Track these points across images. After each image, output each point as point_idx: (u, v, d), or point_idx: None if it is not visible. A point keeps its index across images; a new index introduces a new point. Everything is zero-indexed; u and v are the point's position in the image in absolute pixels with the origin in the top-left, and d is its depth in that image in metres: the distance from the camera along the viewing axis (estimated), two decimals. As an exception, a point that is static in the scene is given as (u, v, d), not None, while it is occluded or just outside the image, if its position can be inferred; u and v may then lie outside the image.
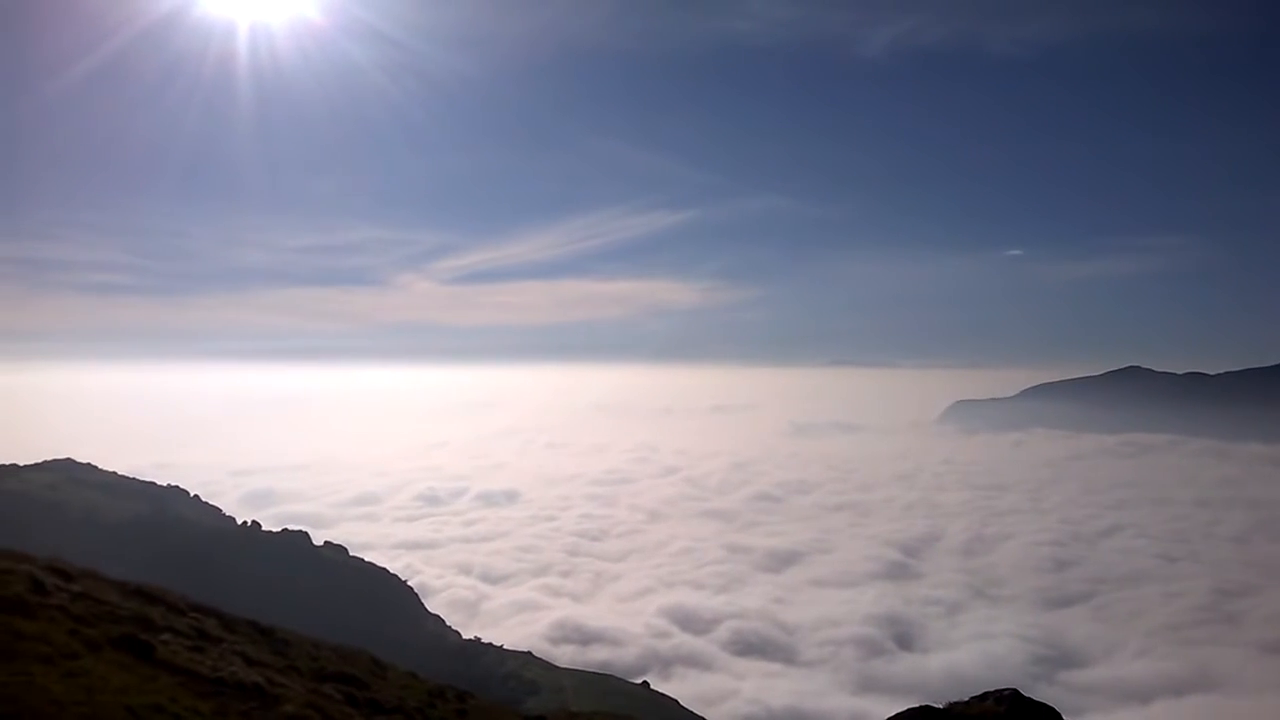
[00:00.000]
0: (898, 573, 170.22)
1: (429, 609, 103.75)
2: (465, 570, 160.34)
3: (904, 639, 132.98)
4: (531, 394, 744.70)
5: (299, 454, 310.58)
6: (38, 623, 16.53)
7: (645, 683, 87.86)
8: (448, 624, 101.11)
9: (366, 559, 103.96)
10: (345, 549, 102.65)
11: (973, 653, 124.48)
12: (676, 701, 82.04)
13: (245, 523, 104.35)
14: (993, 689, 22.87)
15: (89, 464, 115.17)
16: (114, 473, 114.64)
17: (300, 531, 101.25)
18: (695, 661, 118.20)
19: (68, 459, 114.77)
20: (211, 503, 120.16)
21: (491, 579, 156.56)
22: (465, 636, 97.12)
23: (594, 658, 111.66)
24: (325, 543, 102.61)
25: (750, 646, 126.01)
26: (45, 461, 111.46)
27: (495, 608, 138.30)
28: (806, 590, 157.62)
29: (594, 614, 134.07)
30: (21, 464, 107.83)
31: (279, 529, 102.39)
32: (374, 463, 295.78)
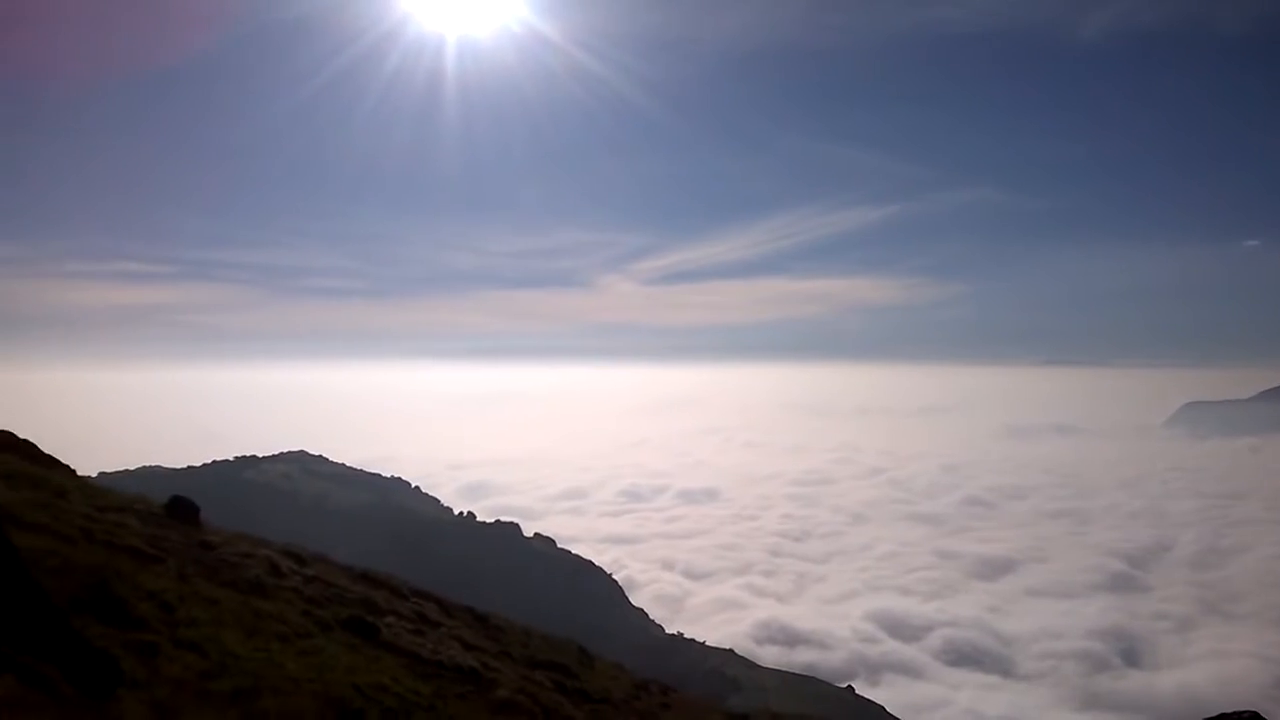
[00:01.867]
0: (1122, 584, 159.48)
1: (633, 603, 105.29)
2: (668, 566, 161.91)
3: (1131, 655, 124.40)
4: (730, 393, 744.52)
5: (511, 449, 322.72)
6: (275, 603, 17.53)
7: (850, 687, 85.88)
8: (651, 618, 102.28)
9: (573, 551, 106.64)
10: (553, 541, 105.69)
11: (1206, 672, 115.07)
12: (883, 708, 79.68)
13: (461, 513, 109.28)
14: (1230, 710, 20.77)
15: (320, 456, 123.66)
16: (342, 464, 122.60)
17: (512, 523, 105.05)
18: (905, 669, 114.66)
19: (301, 451, 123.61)
20: (430, 493, 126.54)
21: (694, 576, 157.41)
22: (668, 631, 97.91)
23: (798, 659, 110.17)
24: (535, 534, 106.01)
25: (964, 656, 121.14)
26: (281, 453, 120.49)
27: (698, 604, 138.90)
28: (1023, 600, 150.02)
29: (798, 615, 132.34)
30: (260, 455, 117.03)
31: (492, 520, 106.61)
32: (580, 458, 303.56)
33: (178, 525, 21.47)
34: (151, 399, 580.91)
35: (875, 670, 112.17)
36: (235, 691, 12.30)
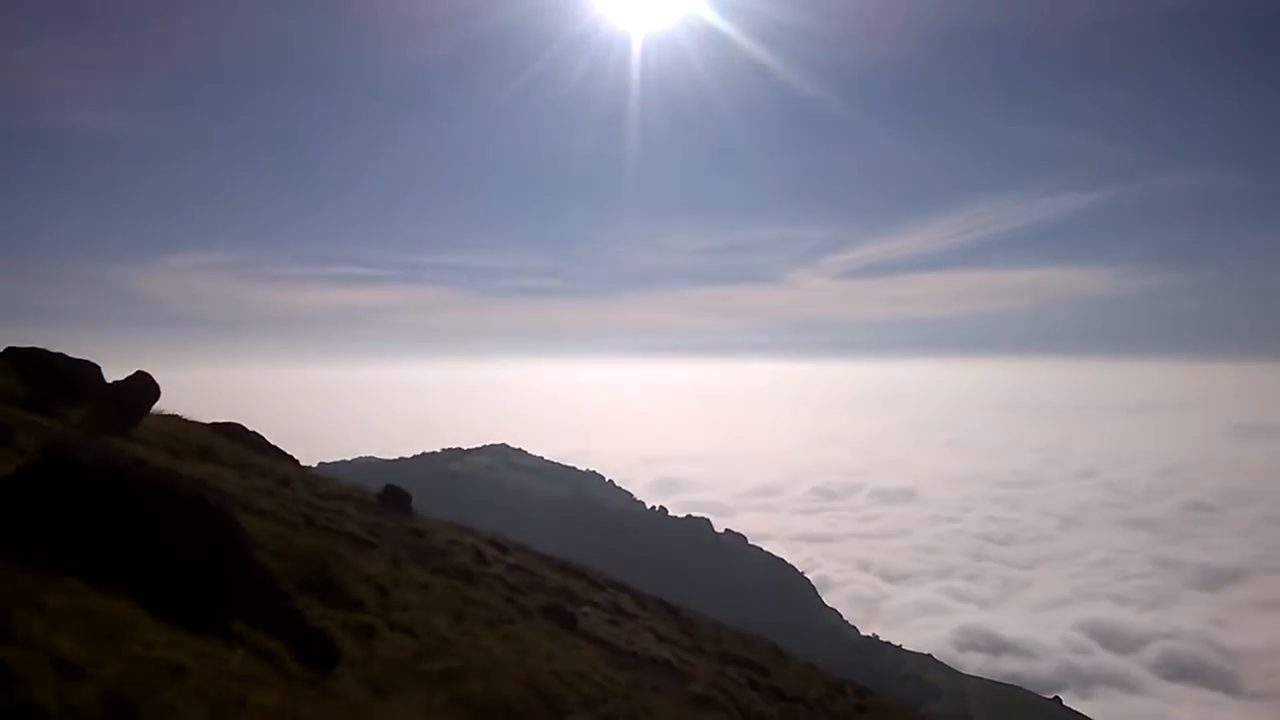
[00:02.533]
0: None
1: (826, 602, 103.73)
2: (864, 567, 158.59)
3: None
4: (928, 389, 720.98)
5: (703, 444, 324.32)
6: (480, 589, 18.21)
7: (1058, 699, 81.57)
8: (845, 619, 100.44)
9: (765, 549, 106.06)
10: (744, 537, 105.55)
11: None
12: (1094, 722, 75.29)
13: (653, 507, 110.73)
14: None
15: (520, 449, 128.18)
16: (541, 457, 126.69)
17: (703, 518, 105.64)
18: (1119, 682, 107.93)
19: (503, 444, 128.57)
20: (624, 487, 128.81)
21: (891, 577, 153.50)
22: (863, 633, 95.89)
23: (1003, 668, 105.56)
24: (726, 530, 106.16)
25: (1184, 671, 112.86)
26: (484, 446, 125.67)
27: (895, 607, 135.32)
28: (1251, 613, 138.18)
29: (1003, 622, 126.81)
30: (466, 448, 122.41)
31: (683, 515, 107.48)
32: (772, 455, 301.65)
33: (391, 513, 22.64)
34: (367, 394, 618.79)
35: (1086, 682, 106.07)
36: (444, 673, 12.72)
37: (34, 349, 32.33)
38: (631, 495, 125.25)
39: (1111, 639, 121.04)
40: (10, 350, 32.19)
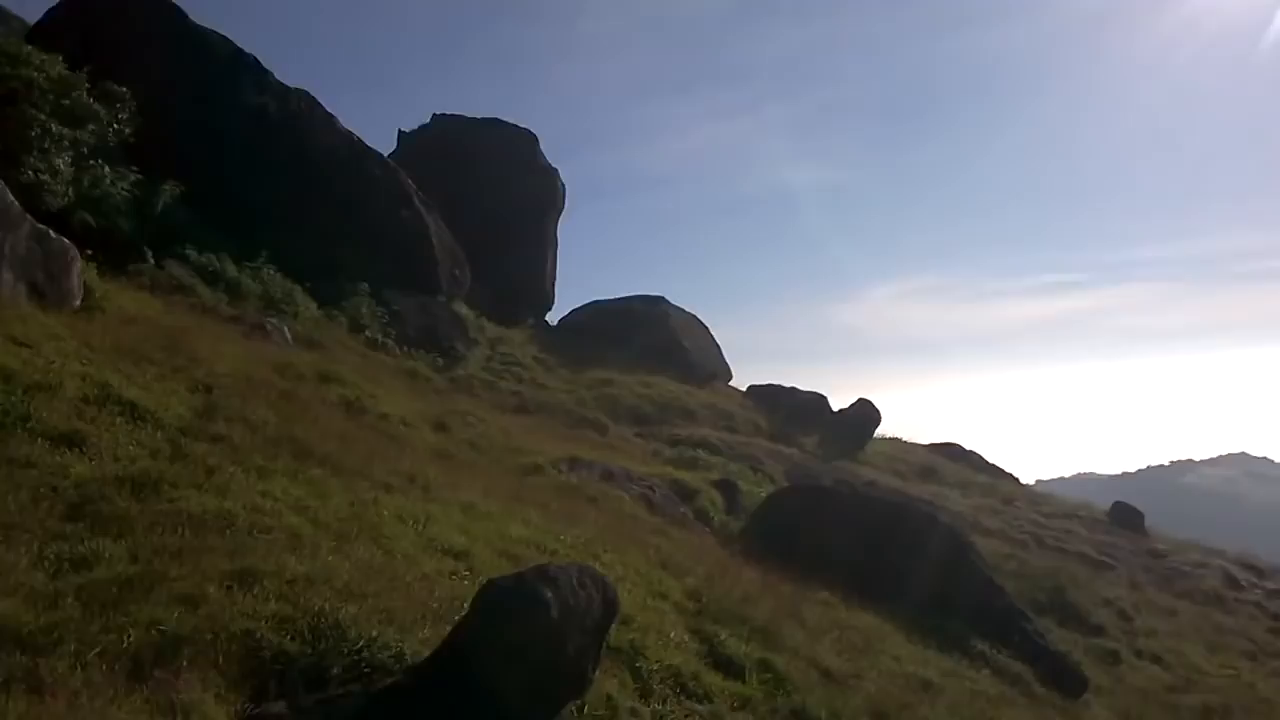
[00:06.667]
0: None
1: None
2: None
3: None
4: None
5: None
6: (1236, 618, 16.28)
7: None
8: None
9: None
10: None
11: None
12: None
13: None
14: None
15: (1265, 457, 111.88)
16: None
17: None
18: None
19: (1242, 453, 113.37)
20: None
21: None
22: None
23: None
24: None
25: None
26: (1219, 456, 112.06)
27: None
28: None
29: None
30: (1197, 459, 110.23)
31: None
32: None
33: (1123, 532, 21.36)
34: (1077, 406, 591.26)
35: None
36: (1202, 708, 11.77)
37: (772, 385, 37.01)
38: None
39: None
40: (753, 389, 37.23)
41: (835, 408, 35.36)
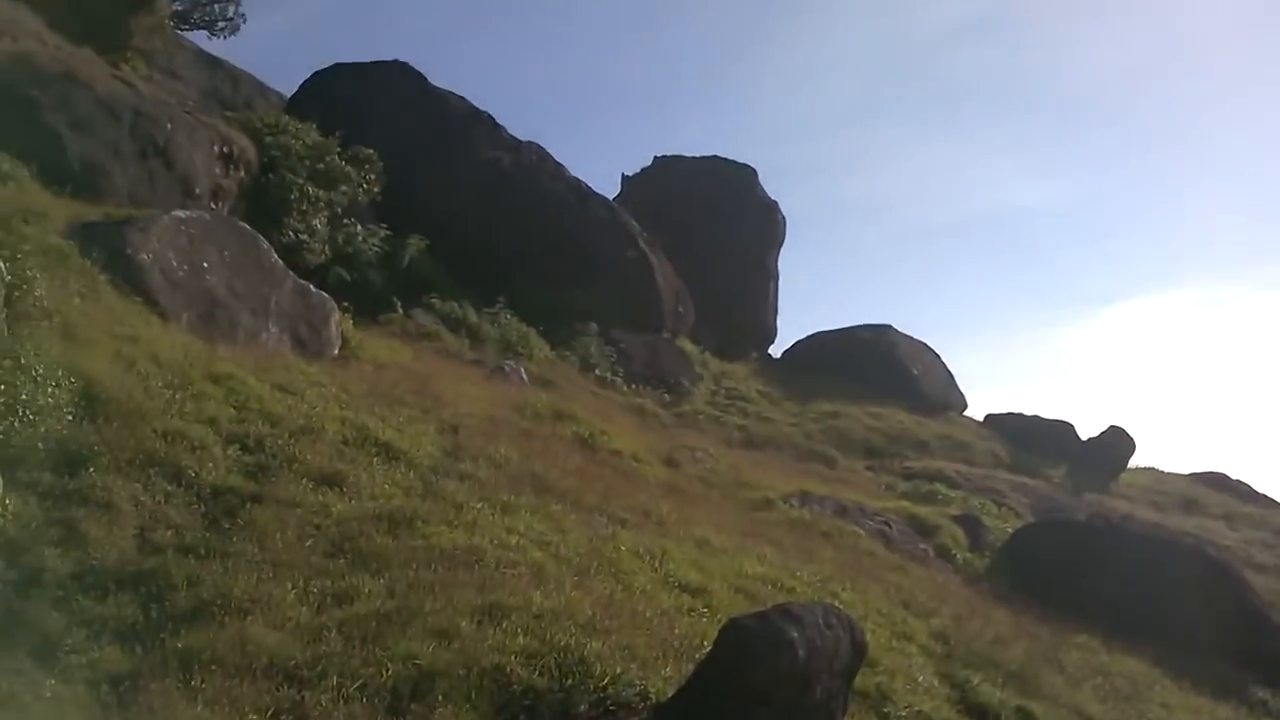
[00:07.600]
0: None
1: None
2: None
3: None
4: None
5: None
6: None
7: None
8: None
9: None
10: None
11: None
12: None
13: None
14: None
15: None
16: None
17: None
18: None
19: None
20: None
21: None
22: None
23: None
24: None
25: None
26: None
27: None
28: None
29: None
30: None
31: None
32: None
33: None
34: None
35: None
36: None
37: (1011, 413, 35.09)
38: None
39: None
40: (991, 417, 35.43)
41: (1083, 436, 33.10)
